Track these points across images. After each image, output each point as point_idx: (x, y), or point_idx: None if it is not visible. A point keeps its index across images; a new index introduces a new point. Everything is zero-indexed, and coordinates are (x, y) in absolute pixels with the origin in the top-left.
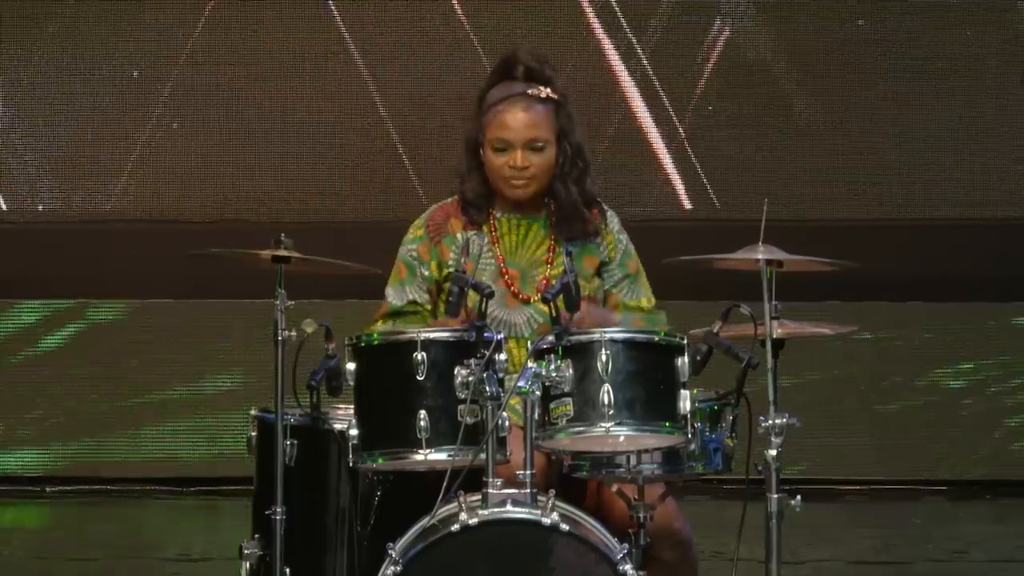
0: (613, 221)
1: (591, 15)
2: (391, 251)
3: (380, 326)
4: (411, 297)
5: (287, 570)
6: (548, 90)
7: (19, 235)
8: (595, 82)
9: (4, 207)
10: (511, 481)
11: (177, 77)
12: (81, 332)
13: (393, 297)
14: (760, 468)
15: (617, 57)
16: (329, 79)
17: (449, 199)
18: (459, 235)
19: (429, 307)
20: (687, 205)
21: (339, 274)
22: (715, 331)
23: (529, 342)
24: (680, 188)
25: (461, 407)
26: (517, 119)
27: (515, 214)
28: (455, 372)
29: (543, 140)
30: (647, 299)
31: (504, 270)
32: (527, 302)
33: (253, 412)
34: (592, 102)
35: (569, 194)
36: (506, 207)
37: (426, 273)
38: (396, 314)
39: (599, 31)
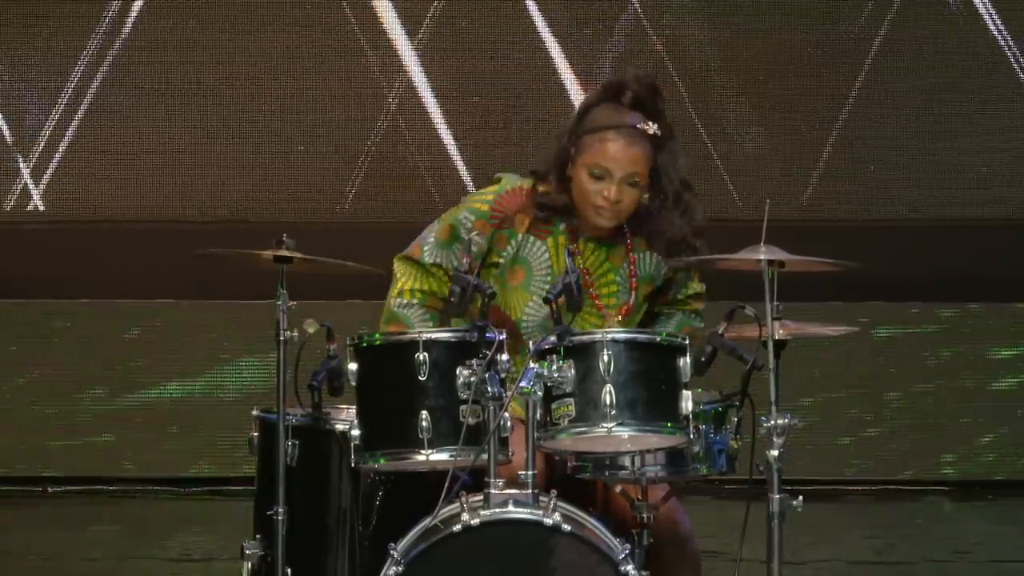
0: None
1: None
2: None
3: (401, 278)
4: (438, 260)
5: (288, 570)
6: (656, 127)
7: (20, 235)
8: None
9: (38, 206)
10: (512, 481)
11: (179, 76)
12: (82, 332)
13: (427, 253)
14: (762, 468)
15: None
16: (331, 78)
17: (524, 183)
18: (521, 235)
19: (446, 276)
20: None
21: (341, 274)
22: (720, 332)
23: None
24: None
25: (463, 407)
26: (621, 151)
27: (594, 238)
28: (457, 372)
29: (641, 176)
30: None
31: (587, 280)
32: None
33: (255, 412)
34: None
35: (676, 228)
36: (589, 228)
37: (474, 248)
38: (420, 267)
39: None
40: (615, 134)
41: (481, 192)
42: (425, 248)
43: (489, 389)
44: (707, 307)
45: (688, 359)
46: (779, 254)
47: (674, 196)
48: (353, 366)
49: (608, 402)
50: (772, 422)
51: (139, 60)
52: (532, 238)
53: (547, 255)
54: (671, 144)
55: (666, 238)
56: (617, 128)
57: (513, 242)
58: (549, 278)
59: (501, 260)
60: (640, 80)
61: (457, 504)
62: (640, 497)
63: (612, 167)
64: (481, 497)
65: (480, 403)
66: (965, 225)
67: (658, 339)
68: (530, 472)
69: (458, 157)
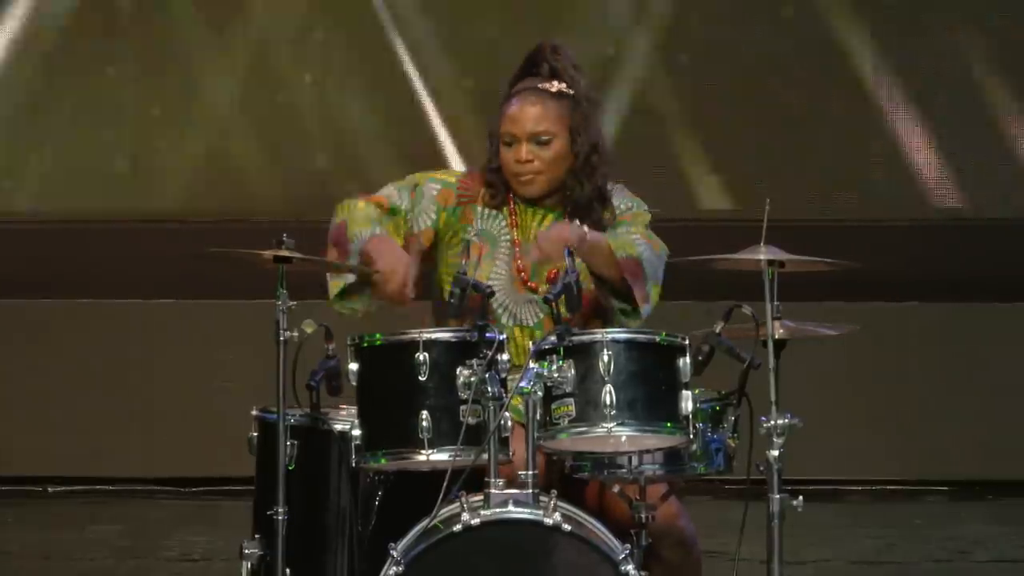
0: (619, 197)
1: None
2: None
3: (362, 204)
4: (405, 206)
5: (287, 570)
6: (562, 85)
7: (19, 235)
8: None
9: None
10: (513, 481)
11: (177, 76)
12: (81, 332)
13: (396, 198)
14: (762, 468)
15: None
16: (330, 78)
17: (477, 169)
18: (480, 208)
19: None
20: (690, 205)
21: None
22: (717, 331)
23: (534, 332)
24: (683, 188)
25: (463, 407)
26: (523, 112)
27: (532, 204)
28: (457, 372)
29: (549, 134)
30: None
31: (518, 255)
32: (535, 291)
33: (254, 412)
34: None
35: (583, 191)
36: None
37: (433, 216)
38: (392, 212)
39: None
40: (518, 99)
41: (445, 170)
42: (391, 197)
43: (489, 389)
44: (706, 307)
45: (688, 359)
46: (779, 254)
47: (583, 158)
48: (354, 366)
49: (608, 402)
50: (772, 422)
51: (142, 59)
52: (489, 210)
53: (504, 223)
54: (586, 107)
55: (572, 201)
56: (521, 93)
57: (476, 216)
58: (508, 240)
59: (466, 235)
60: (554, 48)
61: (457, 504)
62: (638, 496)
63: (515, 129)
64: (481, 497)
65: (480, 403)
66: (965, 224)
67: (658, 339)
68: (530, 472)
69: (458, 156)
